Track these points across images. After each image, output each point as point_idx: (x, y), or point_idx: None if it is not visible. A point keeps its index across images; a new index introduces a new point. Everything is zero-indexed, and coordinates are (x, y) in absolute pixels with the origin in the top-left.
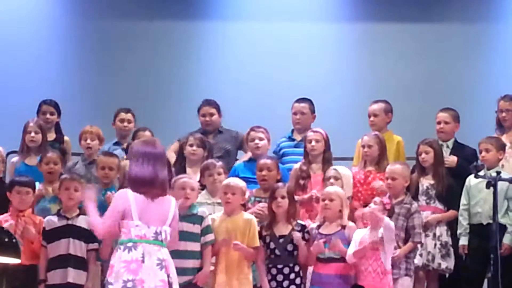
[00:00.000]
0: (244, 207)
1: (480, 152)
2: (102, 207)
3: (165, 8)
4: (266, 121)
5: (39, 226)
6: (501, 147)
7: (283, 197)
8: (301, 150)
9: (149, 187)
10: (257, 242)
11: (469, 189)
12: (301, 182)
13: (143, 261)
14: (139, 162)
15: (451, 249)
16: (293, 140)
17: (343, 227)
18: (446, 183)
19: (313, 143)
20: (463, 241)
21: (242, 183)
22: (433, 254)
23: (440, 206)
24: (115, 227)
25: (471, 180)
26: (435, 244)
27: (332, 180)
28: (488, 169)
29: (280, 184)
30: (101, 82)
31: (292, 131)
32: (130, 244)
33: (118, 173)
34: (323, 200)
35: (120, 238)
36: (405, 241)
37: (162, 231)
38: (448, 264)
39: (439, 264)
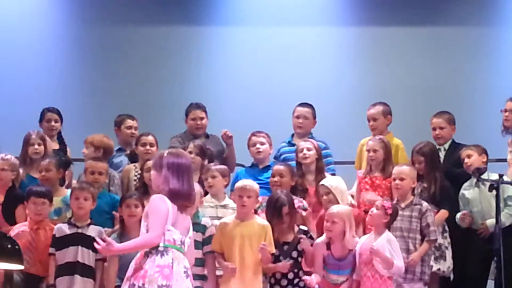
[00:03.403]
0: (256, 212)
1: (463, 161)
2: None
3: (166, 13)
4: (267, 126)
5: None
6: (483, 151)
7: None
8: None
9: (186, 201)
10: (273, 249)
11: (464, 198)
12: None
13: (172, 267)
14: (174, 174)
15: (446, 251)
16: (293, 145)
17: (350, 250)
18: (440, 185)
19: (305, 151)
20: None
21: (256, 186)
22: None
23: (432, 208)
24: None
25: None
26: None
27: (325, 197)
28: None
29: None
30: (102, 88)
31: (292, 135)
32: (161, 249)
33: (107, 177)
34: (326, 221)
35: None
36: (422, 242)
37: (185, 241)
38: (441, 266)
39: (431, 266)
